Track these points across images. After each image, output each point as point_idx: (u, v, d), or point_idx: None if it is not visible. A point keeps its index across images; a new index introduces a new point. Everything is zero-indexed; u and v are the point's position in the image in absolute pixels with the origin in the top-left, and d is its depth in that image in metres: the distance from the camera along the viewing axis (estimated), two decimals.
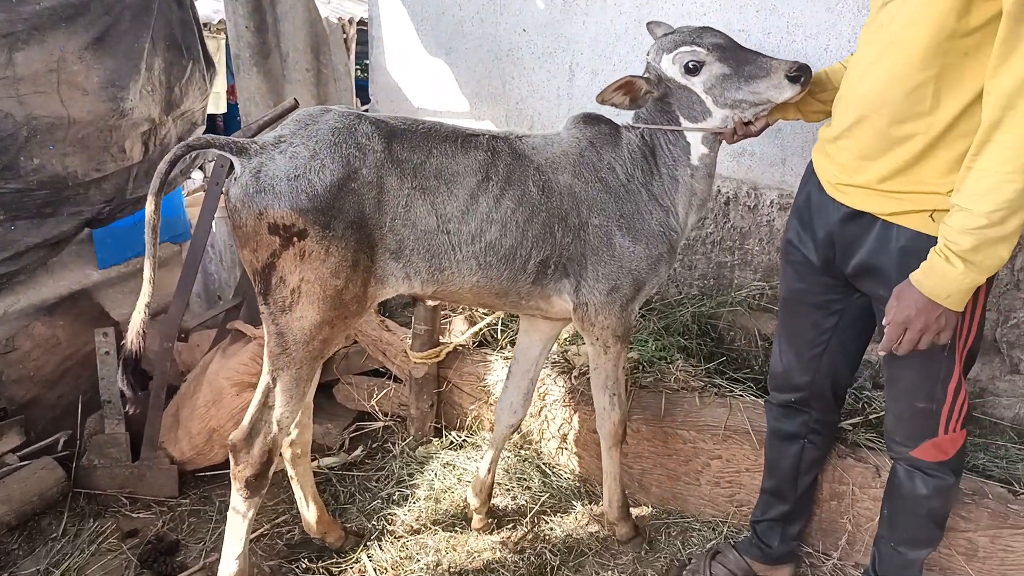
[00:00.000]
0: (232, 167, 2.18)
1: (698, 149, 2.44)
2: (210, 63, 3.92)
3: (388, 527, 3.01)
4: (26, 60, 3.19)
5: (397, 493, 3.20)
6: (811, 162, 2.28)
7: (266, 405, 2.35)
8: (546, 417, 3.31)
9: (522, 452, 3.39)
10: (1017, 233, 1.74)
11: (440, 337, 3.47)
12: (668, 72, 2.36)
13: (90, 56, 3.41)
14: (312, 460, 3.36)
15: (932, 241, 1.89)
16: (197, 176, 4.99)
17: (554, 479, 3.26)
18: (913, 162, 1.91)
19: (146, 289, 2.24)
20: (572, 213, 2.42)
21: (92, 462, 3.31)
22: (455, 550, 2.90)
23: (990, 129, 1.71)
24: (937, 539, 2.33)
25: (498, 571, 2.79)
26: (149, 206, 2.16)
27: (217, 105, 8.32)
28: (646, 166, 2.48)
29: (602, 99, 2.35)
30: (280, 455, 2.78)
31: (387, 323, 3.64)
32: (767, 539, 2.68)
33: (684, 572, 2.76)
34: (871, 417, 2.87)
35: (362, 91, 7.79)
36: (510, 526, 3.03)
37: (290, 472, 2.83)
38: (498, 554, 2.88)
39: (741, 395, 3.01)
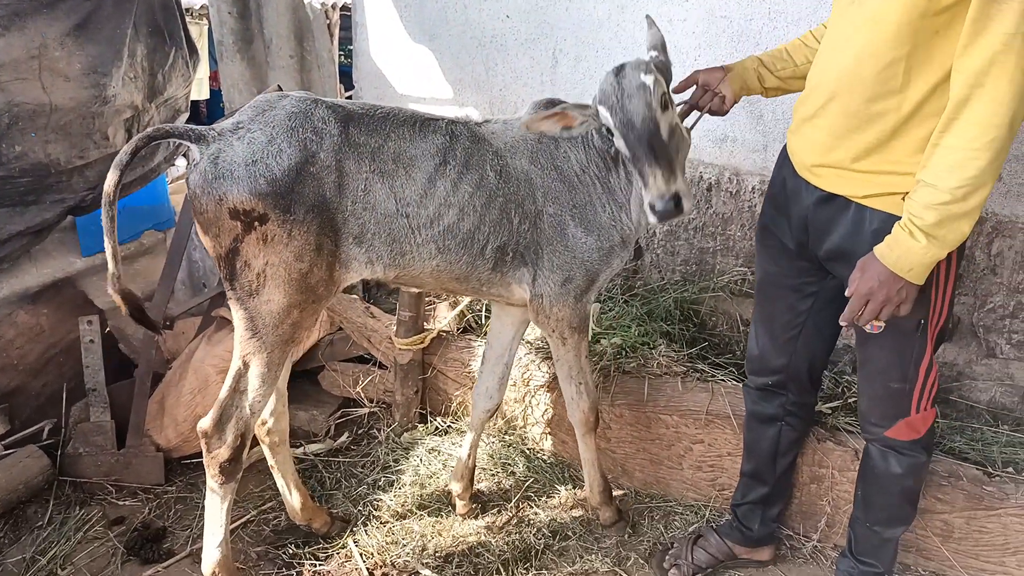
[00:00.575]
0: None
1: None
2: (193, 49, 3.90)
3: (374, 513, 3.03)
4: (7, 47, 3.17)
5: (383, 479, 3.23)
6: (784, 147, 2.30)
7: (237, 390, 2.37)
8: (530, 402, 3.34)
9: (506, 437, 3.41)
10: (978, 209, 1.78)
11: (425, 323, 3.49)
12: (599, 112, 2.24)
13: (72, 42, 3.38)
14: (298, 446, 3.40)
15: None
16: (181, 163, 4.96)
17: (539, 464, 3.29)
18: (886, 140, 1.94)
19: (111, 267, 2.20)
20: (528, 200, 2.43)
21: (77, 450, 3.31)
22: (440, 535, 2.93)
23: (957, 107, 1.74)
24: (911, 517, 2.38)
25: (483, 555, 2.82)
26: (105, 198, 2.12)
27: (200, 91, 8.27)
28: (603, 162, 2.47)
29: (528, 127, 2.26)
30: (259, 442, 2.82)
31: (372, 310, 3.65)
32: (747, 522, 2.72)
33: (667, 556, 2.80)
34: (850, 401, 2.91)
35: (346, 77, 7.72)
36: (495, 511, 3.06)
37: (270, 461, 2.84)
38: (483, 538, 2.91)
39: (723, 380, 3.05)
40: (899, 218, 1.92)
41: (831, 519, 2.80)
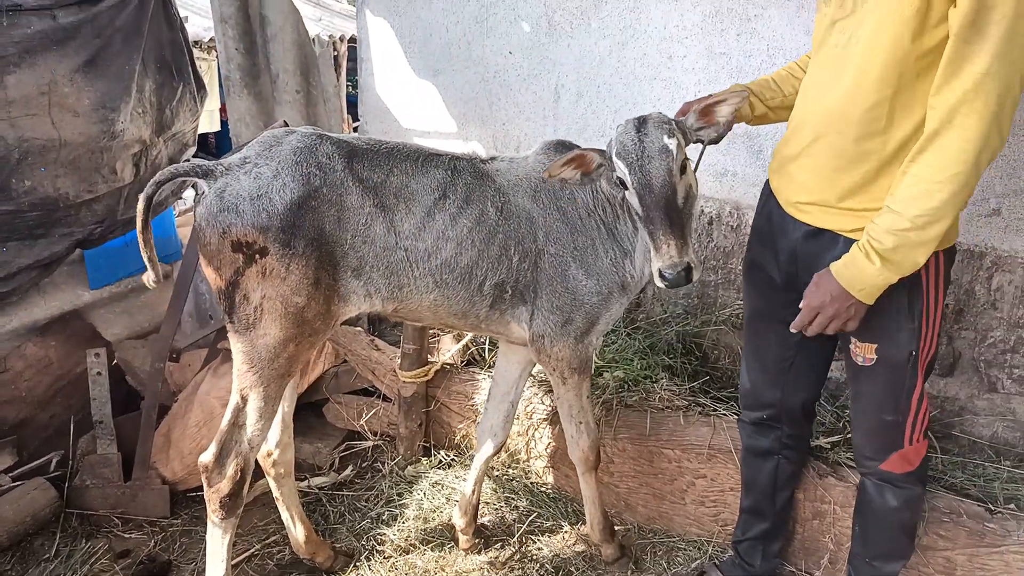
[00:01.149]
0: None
1: None
2: (201, 85, 3.96)
3: (377, 547, 3.04)
4: (17, 83, 3.23)
5: (386, 513, 3.23)
6: (767, 182, 2.33)
7: (236, 424, 2.39)
8: (533, 436, 3.35)
9: (510, 471, 3.42)
10: (936, 240, 1.85)
11: (429, 356, 3.51)
12: (614, 161, 2.22)
13: (81, 78, 3.44)
14: (303, 479, 3.41)
15: None
16: (188, 196, 5.01)
17: (542, 498, 3.29)
18: (871, 179, 1.98)
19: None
20: (529, 238, 2.45)
21: (84, 482, 3.33)
22: (444, 570, 2.93)
23: (928, 139, 1.81)
24: (909, 552, 2.38)
25: None
26: (140, 241, 2.22)
27: (211, 123, 8.35)
28: (610, 207, 2.48)
29: (550, 175, 2.26)
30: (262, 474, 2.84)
31: (376, 342, 3.68)
32: (749, 558, 2.72)
33: None
34: (850, 435, 2.90)
35: (353, 107, 7.83)
36: (498, 545, 3.06)
37: (275, 493, 2.86)
38: (486, 574, 2.91)
39: (725, 414, 3.05)
40: None
41: (833, 555, 2.79)
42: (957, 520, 2.59)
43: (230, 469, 2.40)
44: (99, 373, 3.52)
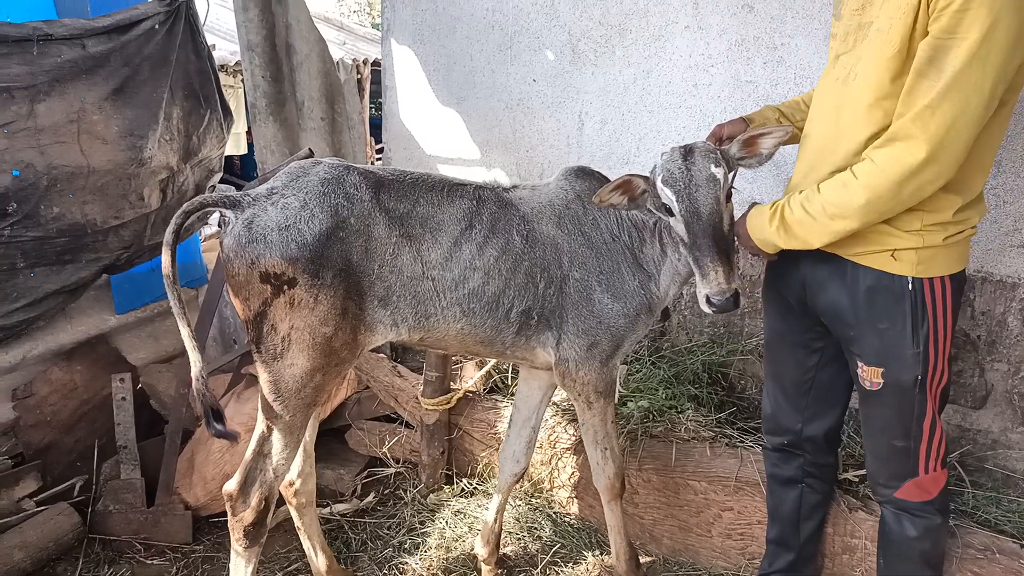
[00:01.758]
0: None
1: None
2: (227, 112, 3.99)
3: None
4: (47, 111, 3.28)
5: (408, 541, 3.21)
6: None
7: (261, 454, 2.39)
8: (556, 465, 3.32)
9: (533, 500, 3.39)
10: (834, 236, 1.97)
11: (451, 383, 3.49)
12: (658, 189, 2.23)
13: (110, 106, 3.49)
14: (325, 506, 3.40)
15: (897, 279, 2.02)
16: (214, 220, 5.05)
17: (565, 528, 3.26)
18: None
19: (193, 358, 2.27)
20: (554, 264, 2.45)
21: (107, 507, 3.34)
22: None
23: (872, 148, 1.90)
24: None
25: None
26: (166, 270, 2.21)
27: (237, 146, 8.43)
28: (637, 233, 2.50)
29: (600, 200, 2.29)
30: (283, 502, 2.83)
31: (399, 369, 3.67)
32: None
33: None
34: None
35: (377, 129, 7.89)
36: None
37: (296, 522, 2.85)
38: None
39: (752, 446, 3.01)
40: (890, 274, 2.03)
41: None
42: (991, 557, 2.53)
43: (254, 498, 2.39)
44: (124, 398, 3.54)
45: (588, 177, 2.60)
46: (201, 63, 3.84)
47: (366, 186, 2.31)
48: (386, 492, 3.57)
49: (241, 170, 9.80)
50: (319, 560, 2.86)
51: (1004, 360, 2.92)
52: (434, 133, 3.98)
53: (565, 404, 3.38)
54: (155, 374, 3.86)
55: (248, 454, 2.41)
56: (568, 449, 3.28)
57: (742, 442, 3.05)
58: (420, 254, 2.33)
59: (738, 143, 2.24)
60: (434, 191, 2.41)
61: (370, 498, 3.50)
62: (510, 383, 3.57)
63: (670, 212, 2.20)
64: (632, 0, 3.40)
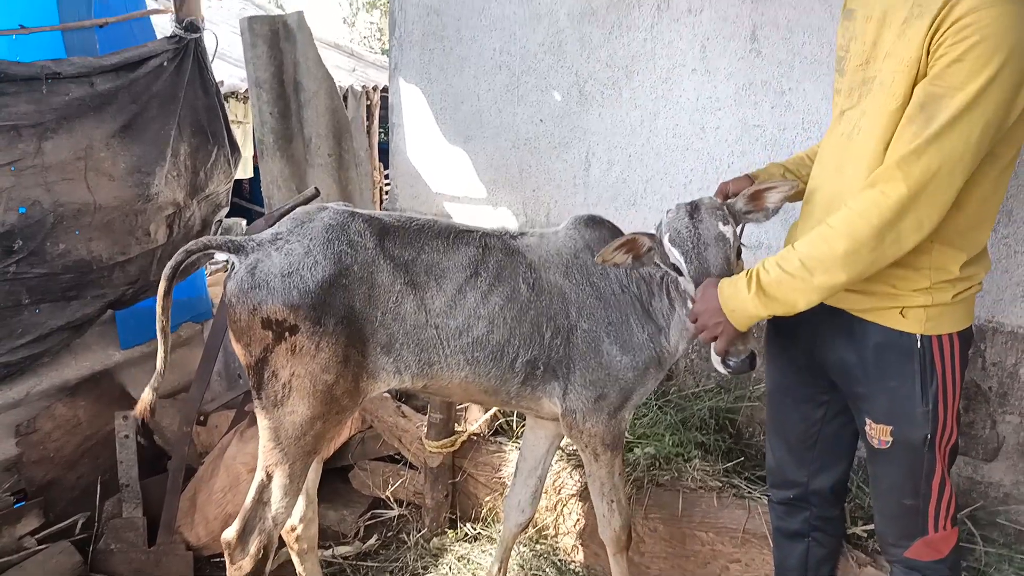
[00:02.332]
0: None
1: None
2: (235, 147, 4.00)
3: None
4: (55, 149, 3.29)
5: None
6: None
7: (260, 501, 2.37)
8: (561, 511, 3.28)
9: (537, 547, 3.34)
10: (821, 292, 1.86)
11: (456, 426, 3.46)
12: (665, 248, 2.20)
13: (117, 143, 3.50)
14: (327, 547, 3.36)
15: (906, 337, 1.98)
16: (220, 255, 5.07)
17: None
18: None
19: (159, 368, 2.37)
20: (561, 315, 2.43)
21: (109, 546, 3.32)
22: None
23: (854, 196, 1.84)
24: None
25: None
26: (158, 307, 2.28)
27: (245, 170, 8.46)
28: (646, 285, 2.47)
29: (603, 260, 2.24)
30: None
31: (403, 409, 3.64)
32: None
33: None
34: None
35: (385, 154, 7.90)
36: None
37: (298, 568, 2.83)
38: None
39: (760, 497, 2.97)
40: (898, 332, 1.98)
41: None
42: None
43: (253, 547, 2.37)
44: (127, 436, 3.52)
45: (598, 226, 2.57)
46: (209, 100, 3.86)
47: (370, 233, 2.30)
48: (389, 535, 3.53)
49: (250, 194, 9.83)
50: None
51: (1016, 412, 2.88)
52: (441, 171, 3.98)
53: (571, 448, 3.35)
54: (159, 409, 3.83)
55: (247, 502, 2.40)
56: (574, 495, 3.24)
57: (750, 492, 3.01)
58: (424, 302, 2.32)
59: (744, 197, 2.21)
60: (439, 238, 2.40)
61: (372, 541, 3.47)
62: (516, 426, 3.54)
63: (679, 271, 2.17)
64: (639, 42, 3.40)
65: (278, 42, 3.80)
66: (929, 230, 1.81)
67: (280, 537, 2.57)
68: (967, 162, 1.76)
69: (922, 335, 1.98)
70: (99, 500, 3.52)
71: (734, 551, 2.90)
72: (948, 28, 1.74)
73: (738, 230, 2.18)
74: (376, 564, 3.33)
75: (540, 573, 3.23)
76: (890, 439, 2.07)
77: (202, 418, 3.72)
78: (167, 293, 2.24)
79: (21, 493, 3.46)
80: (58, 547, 3.25)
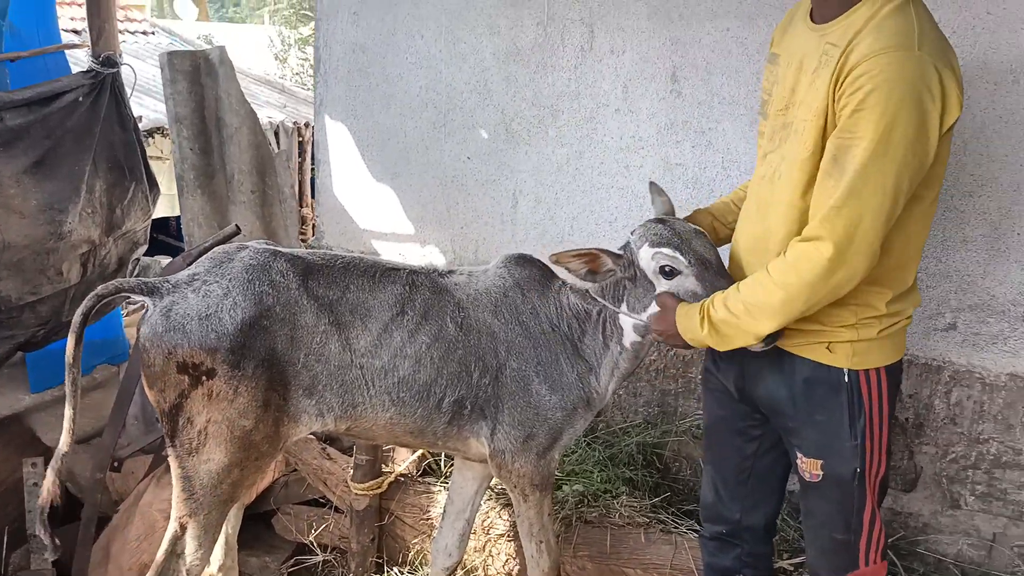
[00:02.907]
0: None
1: (630, 336, 2.39)
2: (153, 183, 3.90)
3: None
4: None
5: None
6: None
7: (174, 554, 2.29)
8: (491, 552, 3.23)
9: None
10: (761, 334, 1.93)
11: (383, 466, 3.39)
12: (642, 262, 2.24)
13: (28, 180, 3.38)
14: None
15: (834, 372, 2.01)
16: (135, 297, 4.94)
17: None
18: None
19: (65, 440, 2.24)
20: (490, 353, 2.40)
21: None
22: None
23: (790, 245, 1.89)
24: None
25: None
26: (68, 357, 2.18)
27: (173, 207, 8.29)
28: (578, 325, 2.46)
29: (556, 259, 2.27)
30: None
31: (328, 451, 3.55)
32: None
33: None
34: None
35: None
36: None
37: None
38: None
39: (686, 532, 2.97)
40: (827, 366, 2.02)
41: None
42: None
43: None
44: (35, 484, 3.37)
45: (528, 265, 2.56)
46: (126, 135, 3.76)
47: (293, 272, 2.25)
48: None
49: (177, 231, 9.63)
50: None
51: (932, 443, 2.96)
52: (368, 208, 3.95)
53: (500, 488, 3.31)
54: (71, 455, 3.67)
55: (160, 555, 2.31)
56: (503, 535, 3.20)
57: (677, 527, 3.02)
58: (349, 342, 2.28)
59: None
60: (365, 276, 2.36)
61: None
62: (444, 466, 3.48)
63: (671, 274, 2.18)
64: (564, 82, 3.44)
65: (199, 77, 3.74)
66: (862, 277, 1.85)
67: None
68: (887, 209, 1.79)
69: (849, 370, 2.01)
70: (5, 552, 3.38)
71: None
72: (846, 78, 1.79)
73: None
74: None
75: None
76: (820, 473, 2.10)
77: (116, 464, 3.57)
78: (78, 342, 2.16)
79: None
80: None
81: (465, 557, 3.23)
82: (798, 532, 3.02)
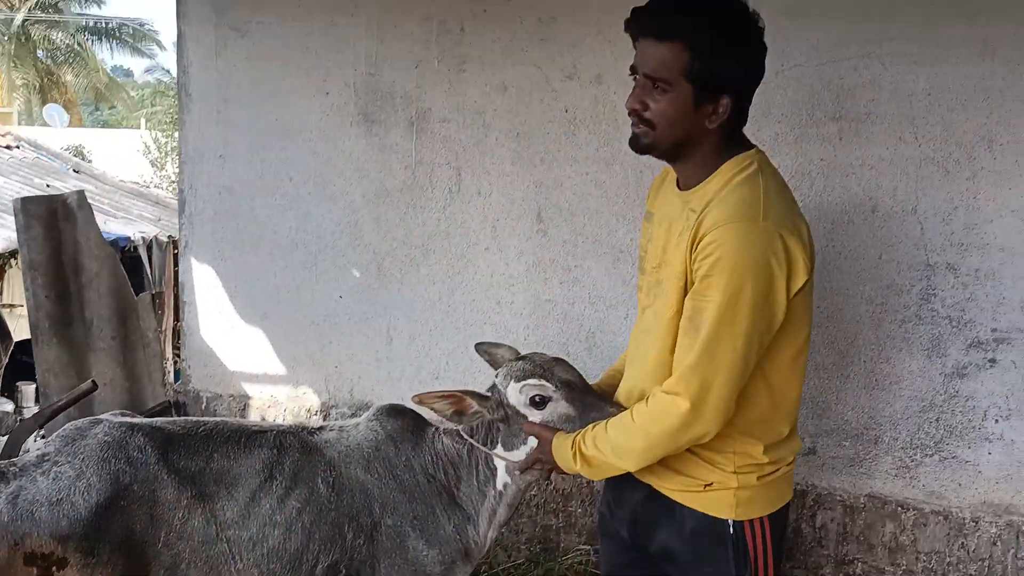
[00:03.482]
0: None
1: (503, 478, 2.36)
2: (6, 334, 3.70)
3: None
4: None
5: None
6: None
7: None
8: None
9: None
10: (622, 472, 2.00)
11: None
12: (512, 399, 2.24)
13: None
14: None
15: (719, 523, 1.99)
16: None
17: None
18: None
19: None
20: (364, 512, 2.32)
21: None
22: None
23: (653, 393, 1.93)
24: None
25: None
26: None
27: None
28: (453, 471, 2.42)
29: (420, 400, 2.23)
30: None
31: None
32: None
33: None
34: None
35: None
36: None
37: None
38: None
39: None
40: (711, 517, 2.00)
41: None
42: None
43: None
44: None
45: (400, 415, 2.50)
46: None
47: (151, 447, 2.15)
48: None
49: None
50: None
51: (802, 567, 3.04)
52: (237, 350, 3.85)
53: None
54: None
55: None
56: None
57: None
58: (214, 514, 2.17)
59: None
60: (230, 442, 2.27)
61: None
62: None
63: (542, 403, 2.19)
64: (434, 222, 3.51)
65: (56, 222, 3.62)
66: (719, 428, 1.88)
67: None
68: (740, 369, 1.84)
69: (734, 520, 2.00)
70: None
71: None
72: (698, 244, 1.86)
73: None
74: None
75: None
76: None
77: None
78: None
79: None
80: None
81: None
82: None
